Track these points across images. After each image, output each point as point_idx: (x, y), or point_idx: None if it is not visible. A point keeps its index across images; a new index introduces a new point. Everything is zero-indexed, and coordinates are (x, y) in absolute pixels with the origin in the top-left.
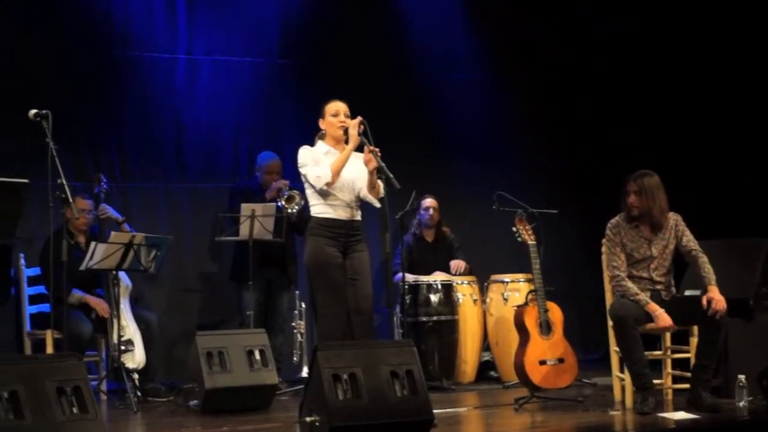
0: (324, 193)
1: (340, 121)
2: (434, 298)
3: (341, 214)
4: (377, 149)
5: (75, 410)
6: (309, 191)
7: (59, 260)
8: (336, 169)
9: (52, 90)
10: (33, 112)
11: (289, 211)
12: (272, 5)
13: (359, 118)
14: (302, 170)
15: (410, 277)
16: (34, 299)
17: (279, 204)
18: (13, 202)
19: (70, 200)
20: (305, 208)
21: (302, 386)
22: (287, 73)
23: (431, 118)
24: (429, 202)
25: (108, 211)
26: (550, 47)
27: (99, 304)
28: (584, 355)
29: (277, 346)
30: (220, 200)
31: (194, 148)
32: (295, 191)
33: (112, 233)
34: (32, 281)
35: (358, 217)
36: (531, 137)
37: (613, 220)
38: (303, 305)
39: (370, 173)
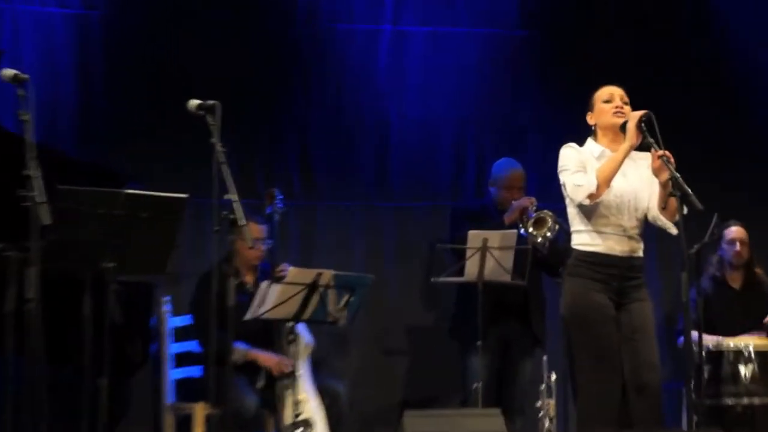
0: (590, 214)
1: (616, 106)
2: (745, 371)
3: (615, 246)
4: (668, 153)
5: None
6: (570, 210)
7: (223, 305)
8: (605, 176)
9: (212, 81)
10: (195, 103)
11: (538, 240)
12: None
13: (643, 111)
14: (561, 177)
15: (709, 340)
16: (180, 359)
17: (522, 231)
18: (166, 226)
19: (243, 223)
20: (560, 236)
21: None
22: (530, 49)
23: (740, 110)
24: (735, 232)
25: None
26: None
27: (270, 360)
28: None
29: None
30: (438, 226)
31: (402, 155)
32: (547, 212)
33: (291, 269)
34: (179, 334)
35: (640, 252)
36: None
37: None
38: (554, 376)
39: (662, 186)
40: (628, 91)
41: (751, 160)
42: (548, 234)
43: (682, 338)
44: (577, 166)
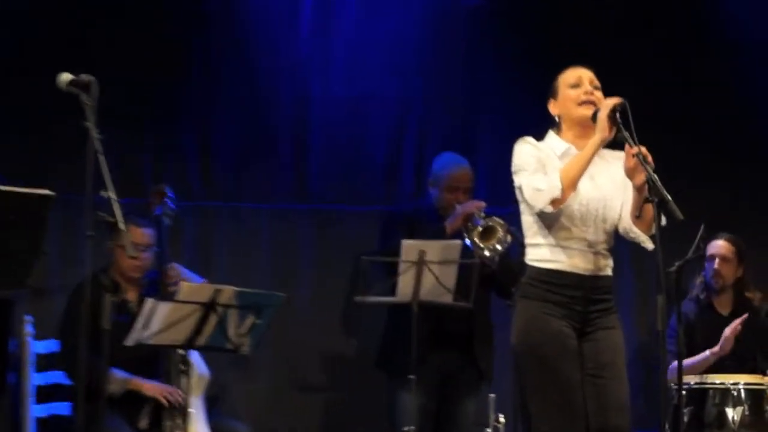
0: (550, 225)
1: (585, 92)
2: (734, 414)
3: (579, 263)
4: (645, 150)
5: None
6: (526, 219)
7: (98, 327)
8: (570, 178)
9: (88, 52)
10: (66, 77)
11: (486, 253)
12: None
13: (617, 99)
14: (516, 179)
15: (691, 376)
16: (45, 393)
17: (467, 242)
18: (28, 230)
19: (123, 226)
20: (514, 249)
21: None
22: (487, 20)
23: (737, 102)
24: (718, 247)
25: (182, 274)
26: None
27: (156, 389)
28: None
29: None
30: (366, 234)
31: (326, 144)
32: (497, 220)
33: (183, 285)
34: (43, 363)
35: (608, 270)
36: None
37: None
38: (502, 418)
39: (637, 190)
40: (605, 85)
41: (752, 160)
42: (498, 246)
43: (671, 366)
44: (536, 166)
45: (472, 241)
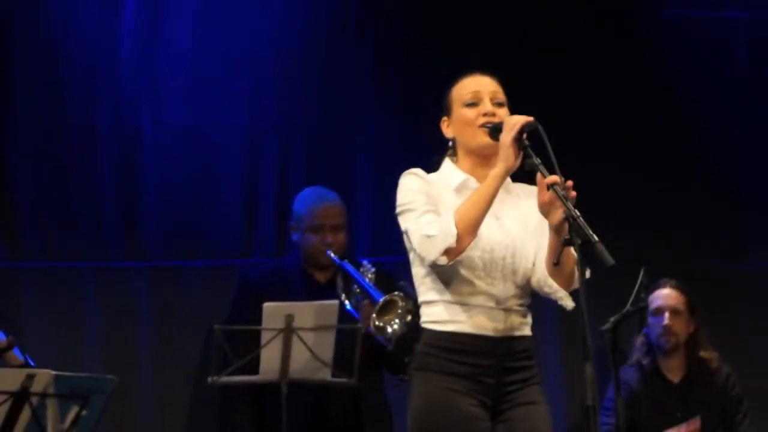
0: (448, 278)
1: (483, 113)
2: None
3: (486, 323)
4: (563, 180)
5: None
6: (417, 271)
7: None
8: (469, 220)
9: None
10: None
11: (389, 331)
12: None
13: (524, 118)
14: (402, 222)
15: None
16: None
17: (348, 306)
18: None
19: None
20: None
21: None
22: (359, 19)
23: (683, 126)
24: (665, 297)
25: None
26: None
27: None
28: None
29: None
30: (218, 297)
31: (159, 186)
32: (398, 295)
33: None
34: None
35: (525, 330)
36: None
37: None
38: None
39: (554, 231)
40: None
41: (705, 202)
42: (396, 325)
43: None
44: (426, 205)
45: (374, 326)
